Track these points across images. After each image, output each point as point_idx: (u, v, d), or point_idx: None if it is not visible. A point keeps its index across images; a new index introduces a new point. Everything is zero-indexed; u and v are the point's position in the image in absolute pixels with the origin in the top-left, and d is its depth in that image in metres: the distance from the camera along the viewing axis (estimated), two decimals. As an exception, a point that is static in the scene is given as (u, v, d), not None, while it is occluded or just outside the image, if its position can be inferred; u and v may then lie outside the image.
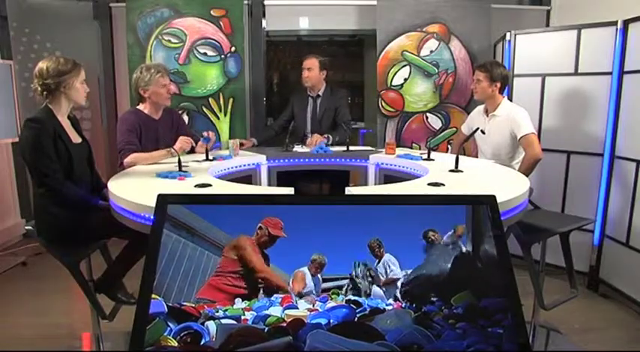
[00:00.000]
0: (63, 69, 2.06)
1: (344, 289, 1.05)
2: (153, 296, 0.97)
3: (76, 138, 2.19)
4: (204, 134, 2.78)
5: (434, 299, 1.01)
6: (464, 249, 1.08)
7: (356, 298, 1.04)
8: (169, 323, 0.95)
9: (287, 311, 1.00)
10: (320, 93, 3.46)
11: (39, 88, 2.07)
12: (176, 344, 0.93)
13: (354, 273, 1.05)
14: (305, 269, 1.05)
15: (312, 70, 3.39)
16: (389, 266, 1.06)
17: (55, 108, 2.10)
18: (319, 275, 1.05)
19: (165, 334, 0.94)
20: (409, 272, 1.06)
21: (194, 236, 1.07)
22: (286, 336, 0.95)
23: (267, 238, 1.07)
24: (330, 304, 1.03)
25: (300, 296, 1.03)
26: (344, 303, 1.03)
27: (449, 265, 1.06)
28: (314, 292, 1.04)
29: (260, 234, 1.07)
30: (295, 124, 3.50)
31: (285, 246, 1.06)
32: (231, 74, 3.83)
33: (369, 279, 1.06)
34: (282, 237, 1.06)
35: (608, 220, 2.98)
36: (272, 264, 1.06)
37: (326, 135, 3.24)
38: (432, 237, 1.08)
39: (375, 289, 1.05)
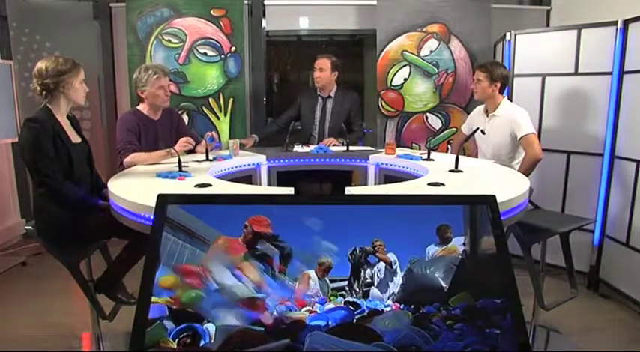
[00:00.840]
0: (62, 68, 2.06)
1: (343, 290, 1.05)
2: (153, 299, 0.97)
3: (76, 138, 2.19)
4: (208, 134, 2.78)
5: (432, 300, 1.01)
6: (464, 250, 1.08)
7: (354, 299, 1.04)
8: (169, 325, 0.95)
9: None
10: (331, 94, 3.45)
11: (38, 88, 2.07)
12: (175, 346, 0.93)
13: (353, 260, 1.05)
14: (312, 272, 1.05)
15: (324, 71, 3.37)
16: (390, 267, 1.06)
17: (54, 108, 2.10)
18: (326, 278, 1.05)
19: (165, 335, 0.94)
20: (409, 272, 1.06)
21: (193, 238, 1.06)
22: (285, 338, 0.95)
23: (252, 236, 1.06)
24: (329, 305, 1.03)
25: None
26: (342, 305, 1.03)
27: (448, 266, 1.06)
28: (320, 295, 1.04)
29: (245, 233, 1.07)
30: (302, 124, 3.50)
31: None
32: (231, 74, 3.83)
33: (368, 280, 1.06)
34: (268, 233, 1.06)
35: (608, 220, 2.98)
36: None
37: (341, 140, 3.25)
38: (447, 233, 1.07)
39: (374, 290, 1.05)
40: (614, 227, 2.94)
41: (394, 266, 1.06)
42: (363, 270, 1.06)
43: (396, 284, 1.05)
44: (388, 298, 1.04)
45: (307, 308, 1.02)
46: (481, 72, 2.84)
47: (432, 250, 1.07)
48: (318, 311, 1.01)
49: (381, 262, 1.06)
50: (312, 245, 1.06)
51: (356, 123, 3.46)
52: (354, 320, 1.00)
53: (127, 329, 0.97)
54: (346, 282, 1.06)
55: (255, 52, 4.12)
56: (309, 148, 3.15)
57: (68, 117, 2.20)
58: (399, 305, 1.02)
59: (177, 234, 1.06)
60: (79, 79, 2.13)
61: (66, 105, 2.15)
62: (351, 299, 1.04)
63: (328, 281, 1.05)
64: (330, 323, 0.98)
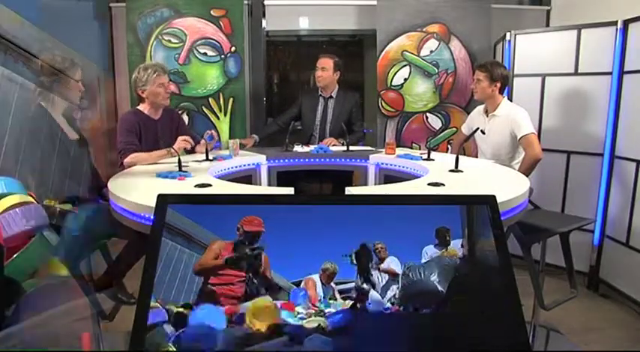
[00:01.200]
0: (58, 67, 2.06)
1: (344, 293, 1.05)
2: (152, 304, 0.96)
3: (73, 135, 2.19)
4: (208, 132, 2.78)
5: (432, 301, 1.01)
6: (463, 250, 1.07)
7: (354, 301, 1.03)
8: (169, 329, 0.95)
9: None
10: (333, 94, 3.45)
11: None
12: (175, 350, 0.93)
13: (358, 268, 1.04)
14: (315, 277, 1.04)
15: (327, 70, 3.36)
16: (394, 277, 1.05)
17: (48, 107, 2.09)
18: (332, 284, 1.04)
19: (165, 340, 0.93)
20: (409, 273, 1.05)
21: (190, 242, 1.06)
22: (283, 340, 0.95)
23: (244, 236, 1.06)
24: (329, 309, 1.02)
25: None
26: (341, 307, 1.02)
27: (448, 266, 1.06)
28: (323, 300, 1.03)
29: (238, 235, 1.06)
30: (303, 124, 3.49)
31: (285, 248, 1.06)
32: (231, 74, 3.83)
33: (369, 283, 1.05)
34: (261, 231, 1.05)
35: (608, 220, 2.98)
36: (272, 271, 1.05)
37: (341, 141, 3.24)
38: (446, 235, 1.07)
39: (373, 293, 1.04)
40: (614, 227, 2.94)
41: (397, 268, 1.05)
42: (368, 276, 1.05)
43: (395, 287, 1.05)
44: (387, 301, 1.03)
45: (306, 311, 1.01)
46: (481, 72, 2.84)
47: (432, 251, 1.07)
48: (323, 317, 1.00)
49: (385, 262, 1.06)
50: (312, 246, 1.05)
51: (357, 124, 3.46)
52: (353, 323, 1.00)
53: (127, 329, 0.97)
54: (345, 285, 1.05)
55: (255, 52, 4.11)
56: (309, 148, 3.14)
57: (64, 115, 2.20)
58: (398, 307, 1.02)
59: (175, 238, 1.05)
60: (75, 79, 2.13)
61: (61, 104, 2.14)
62: (350, 302, 1.03)
63: (334, 286, 1.04)
64: (329, 325, 0.97)
